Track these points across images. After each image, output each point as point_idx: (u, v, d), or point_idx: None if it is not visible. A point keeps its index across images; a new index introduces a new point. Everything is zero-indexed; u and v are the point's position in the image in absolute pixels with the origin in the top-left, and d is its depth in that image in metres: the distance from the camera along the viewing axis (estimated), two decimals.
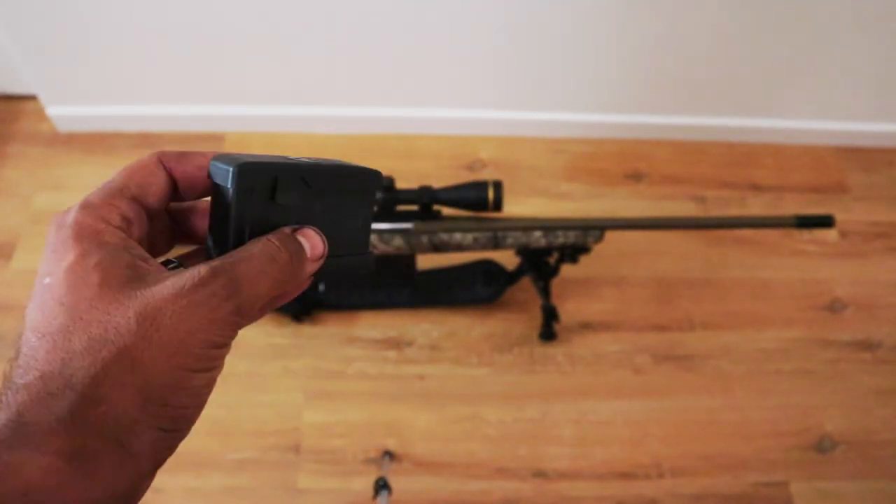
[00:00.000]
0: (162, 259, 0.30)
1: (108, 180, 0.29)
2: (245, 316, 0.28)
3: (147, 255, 0.28)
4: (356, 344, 1.26)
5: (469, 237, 1.07)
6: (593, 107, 1.48)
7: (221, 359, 0.27)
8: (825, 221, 1.08)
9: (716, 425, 1.21)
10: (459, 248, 1.09)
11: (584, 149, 1.52)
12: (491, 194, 1.02)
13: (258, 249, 0.29)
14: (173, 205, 0.31)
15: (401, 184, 1.05)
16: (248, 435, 1.17)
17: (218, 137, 1.49)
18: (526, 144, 1.52)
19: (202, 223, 0.32)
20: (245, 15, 1.27)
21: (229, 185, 0.29)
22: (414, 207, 1.06)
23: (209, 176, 0.30)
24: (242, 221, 0.29)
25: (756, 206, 1.46)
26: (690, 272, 1.37)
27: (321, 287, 1.28)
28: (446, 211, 1.07)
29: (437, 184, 1.06)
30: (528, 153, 1.51)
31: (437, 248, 1.09)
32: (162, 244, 0.32)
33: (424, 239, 1.08)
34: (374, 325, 1.28)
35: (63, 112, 1.46)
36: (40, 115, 1.48)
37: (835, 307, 1.35)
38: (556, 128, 1.51)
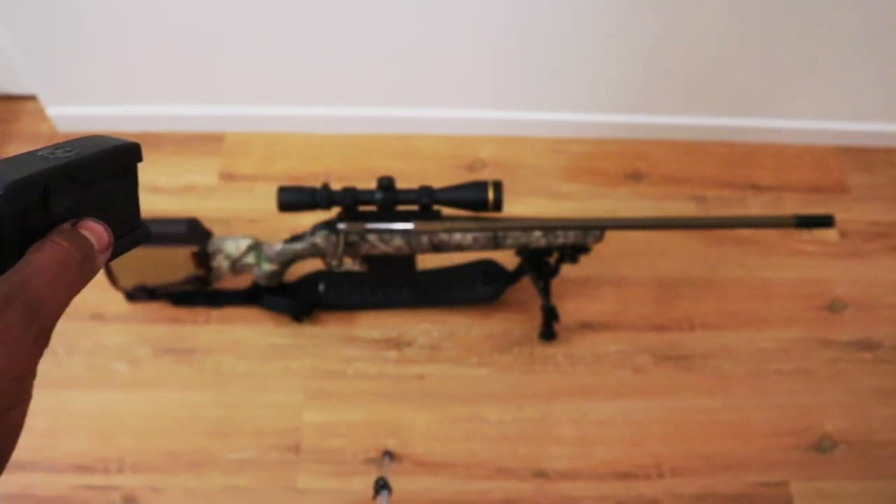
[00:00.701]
0: None
1: None
2: (48, 336, 0.25)
3: None
4: (356, 344, 1.26)
5: (469, 237, 1.07)
6: (593, 107, 1.48)
7: (31, 388, 0.25)
8: (825, 221, 1.08)
9: (716, 425, 1.21)
10: (459, 248, 1.09)
11: (583, 149, 1.52)
12: (491, 194, 1.02)
13: (48, 258, 0.26)
14: None
15: (401, 184, 1.05)
16: (248, 435, 1.17)
17: (218, 138, 1.49)
18: (526, 144, 1.52)
19: None
20: (245, 15, 1.27)
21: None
22: (414, 207, 1.06)
23: None
24: (20, 242, 0.27)
25: (756, 206, 1.46)
26: (690, 272, 1.37)
27: (321, 287, 1.28)
28: (446, 211, 1.07)
29: (437, 184, 1.06)
30: (528, 153, 1.51)
31: (437, 248, 1.09)
32: None
33: (424, 239, 1.08)
34: (374, 325, 1.28)
35: (63, 112, 1.46)
36: (40, 115, 1.48)
37: (835, 307, 1.35)
38: (556, 128, 1.51)
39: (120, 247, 0.31)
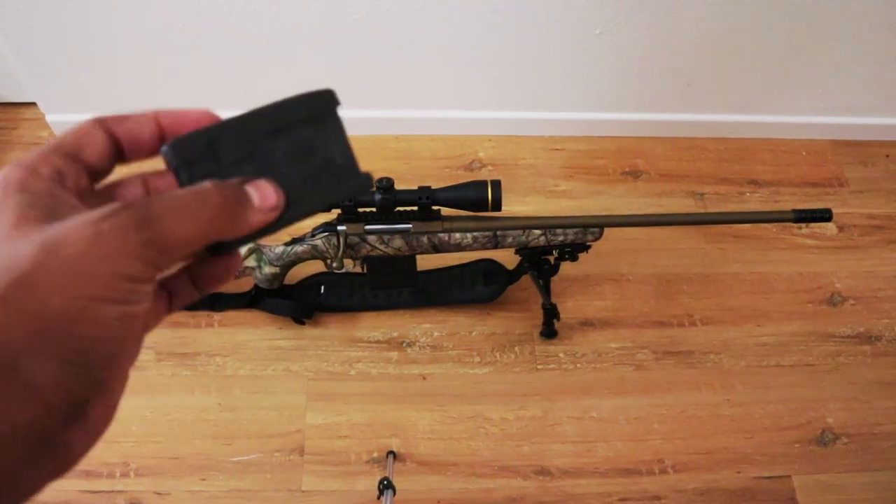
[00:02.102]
0: None
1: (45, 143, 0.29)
2: (165, 251, 0.27)
3: (77, 202, 0.27)
4: (358, 345, 1.27)
5: (469, 237, 1.08)
6: (590, 105, 1.48)
7: (138, 294, 0.26)
8: (823, 215, 1.09)
9: (717, 420, 1.22)
10: (459, 247, 1.09)
11: (581, 147, 1.52)
12: (490, 194, 1.02)
13: (186, 191, 0.28)
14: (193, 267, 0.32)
15: (400, 184, 1.05)
16: (251, 437, 1.18)
17: None
18: (524, 143, 1.53)
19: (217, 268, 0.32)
20: (242, 20, 1.28)
21: (171, 165, 0.29)
22: (413, 208, 1.06)
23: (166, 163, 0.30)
24: None
25: (754, 201, 1.47)
26: (690, 268, 1.37)
27: (322, 289, 1.28)
28: (446, 211, 1.08)
29: (435, 184, 1.06)
30: (526, 152, 1.51)
31: (437, 248, 1.10)
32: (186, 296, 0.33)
33: (424, 239, 1.08)
34: (375, 326, 1.28)
35: (63, 119, 1.46)
36: (40, 122, 1.49)
37: (834, 300, 1.35)
38: (554, 126, 1.52)
39: (326, 197, 0.32)
